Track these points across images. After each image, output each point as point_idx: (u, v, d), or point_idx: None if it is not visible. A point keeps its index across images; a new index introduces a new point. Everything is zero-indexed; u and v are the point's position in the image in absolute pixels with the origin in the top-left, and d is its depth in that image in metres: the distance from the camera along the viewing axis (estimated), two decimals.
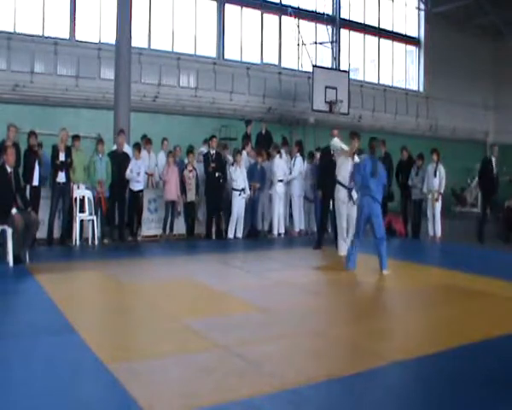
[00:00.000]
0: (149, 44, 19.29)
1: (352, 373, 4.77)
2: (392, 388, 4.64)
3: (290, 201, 14.97)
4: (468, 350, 5.53)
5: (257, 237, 14.22)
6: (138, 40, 17.83)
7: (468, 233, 16.76)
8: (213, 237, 13.77)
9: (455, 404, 4.28)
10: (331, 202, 12.01)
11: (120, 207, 12.91)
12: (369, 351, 5.45)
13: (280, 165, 14.51)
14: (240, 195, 13.77)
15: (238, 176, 13.75)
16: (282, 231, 14.61)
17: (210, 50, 20.48)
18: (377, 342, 5.80)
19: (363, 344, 5.69)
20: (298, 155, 15.04)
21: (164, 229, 13.43)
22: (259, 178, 14.22)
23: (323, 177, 12.26)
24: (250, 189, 13.95)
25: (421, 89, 26.25)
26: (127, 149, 13.43)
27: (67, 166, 11.99)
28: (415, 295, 8.25)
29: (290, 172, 14.71)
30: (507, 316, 7.06)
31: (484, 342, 5.79)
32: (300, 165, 14.80)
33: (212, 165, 13.59)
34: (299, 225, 14.95)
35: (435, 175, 14.34)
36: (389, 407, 4.26)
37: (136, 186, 12.95)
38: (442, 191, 14.51)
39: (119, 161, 12.82)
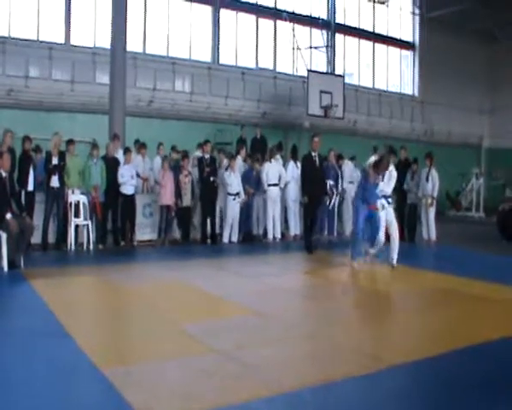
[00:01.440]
0: (144, 49, 19.31)
1: (350, 376, 4.78)
2: (391, 391, 4.64)
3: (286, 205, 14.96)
4: (466, 353, 5.54)
5: (252, 241, 14.18)
6: (133, 44, 17.83)
7: (462, 237, 16.81)
8: (209, 241, 13.73)
9: (452, 407, 4.29)
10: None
11: (113, 212, 12.87)
12: (367, 354, 5.45)
13: (271, 170, 14.45)
14: (234, 199, 13.74)
15: (233, 180, 13.73)
16: (279, 235, 14.57)
17: (205, 55, 20.52)
18: (375, 346, 5.82)
19: (360, 347, 5.69)
20: (291, 160, 15.03)
21: (159, 234, 13.39)
22: (255, 183, 14.23)
23: (307, 182, 12.52)
24: (245, 193, 13.94)
25: (416, 93, 26.35)
26: (121, 153, 13.39)
27: (60, 169, 11.93)
28: (411, 299, 8.26)
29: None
30: (503, 319, 7.07)
31: (481, 345, 5.80)
32: (293, 170, 14.71)
33: (207, 169, 13.56)
34: (295, 229, 14.91)
35: (427, 180, 14.35)
36: None
37: (128, 190, 12.90)
38: (435, 196, 14.51)
39: (110, 166, 12.78)
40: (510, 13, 24.14)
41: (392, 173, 10.72)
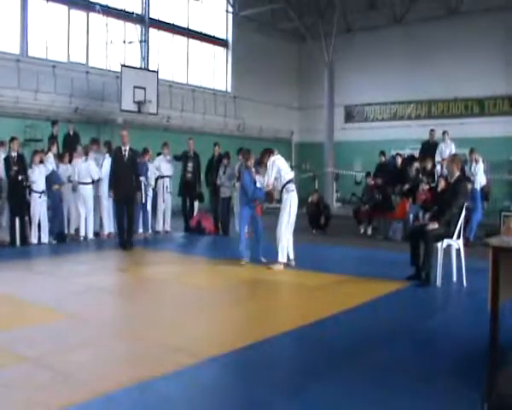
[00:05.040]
0: None
1: (164, 374, 4.91)
2: (203, 386, 4.85)
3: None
4: (280, 340, 6.00)
5: (64, 240, 13.86)
6: None
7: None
8: (18, 243, 13.19)
9: (258, 397, 4.59)
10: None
11: None
12: (182, 350, 5.63)
13: (82, 167, 14.24)
14: (40, 197, 13.35)
15: (37, 177, 13.34)
16: (91, 234, 14.37)
17: (13, 46, 19.56)
18: (189, 342, 5.98)
19: (174, 344, 5.86)
20: (107, 155, 14.87)
21: None
22: (59, 179, 13.95)
23: (115, 177, 12.87)
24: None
25: (229, 89, 27.06)
26: None
27: None
28: (224, 292, 8.63)
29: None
30: (315, 304, 7.67)
31: (286, 333, 6.24)
32: (109, 166, 14.54)
33: (15, 168, 13.06)
34: (109, 227, 14.79)
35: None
36: (199, 405, 4.48)
37: None
38: None
39: None
40: (315, 15, 25.59)
41: None
